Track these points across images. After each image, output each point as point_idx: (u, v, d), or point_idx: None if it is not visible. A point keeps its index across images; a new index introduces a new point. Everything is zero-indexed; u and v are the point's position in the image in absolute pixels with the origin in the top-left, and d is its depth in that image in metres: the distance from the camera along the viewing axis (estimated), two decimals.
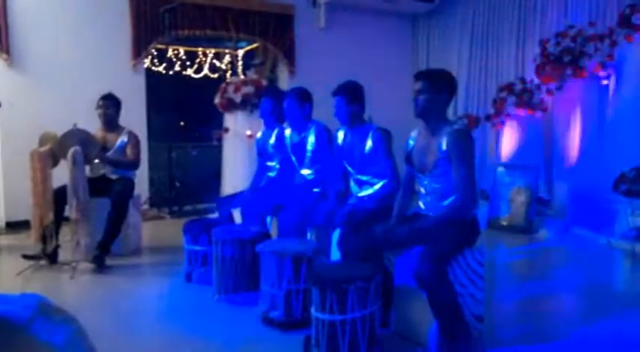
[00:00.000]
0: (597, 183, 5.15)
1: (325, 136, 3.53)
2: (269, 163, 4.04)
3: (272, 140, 3.96)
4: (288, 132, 3.76)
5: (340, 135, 3.32)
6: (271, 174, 4.03)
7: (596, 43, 5.15)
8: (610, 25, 5.25)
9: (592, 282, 3.80)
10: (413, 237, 2.48)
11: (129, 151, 4.43)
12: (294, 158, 3.74)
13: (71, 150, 3.84)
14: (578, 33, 5.30)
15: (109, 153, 4.37)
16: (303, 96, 3.59)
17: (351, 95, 3.12)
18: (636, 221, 4.62)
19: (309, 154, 3.60)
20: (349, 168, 3.24)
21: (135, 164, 4.45)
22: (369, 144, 3.08)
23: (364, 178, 3.15)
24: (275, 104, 3.95)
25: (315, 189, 3.60)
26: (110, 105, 4.45)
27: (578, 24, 5.50)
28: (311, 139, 3.57)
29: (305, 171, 3.66)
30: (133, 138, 4.48)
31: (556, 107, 5.80)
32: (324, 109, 3.67)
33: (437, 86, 2.57)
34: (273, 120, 3.99)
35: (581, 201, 5.34)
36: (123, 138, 4.45)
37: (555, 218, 5.55)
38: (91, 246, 4.06)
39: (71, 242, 3.95)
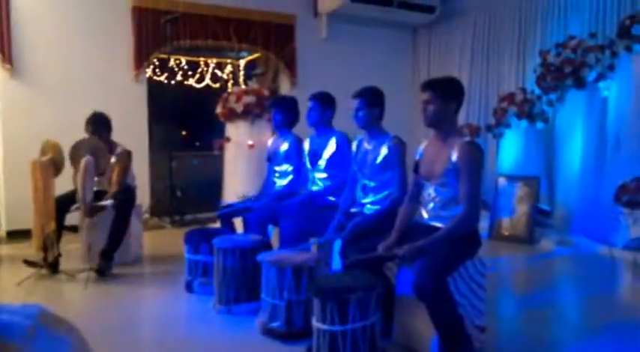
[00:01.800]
0: (599, 193, 5.16)
1: (346, 145, 3.53)
2: (277, 168, 4.05)
3: (284, 147, 3.97)
4: (307, 144, 3.77)
5: (356, 142, 3.31)
6: (278, 180, 4.03)
7: (596, 54, 5.18)
8: (610, 36, 5.29)
9: (594, 293, 3.78)
10: (414, 256, 2.46)
11: (113, 177, 4.21)
12: (308, 161, 3.74)
13: (84, 160, 3.84)
14: (578, 44, 5.32)
15: (106, 176, 4.24)
16: (326, 101, 3.63)
17: (372, 98, 3.11)
18: (638, 231, 4.61)
19: (324, 160, 3.61)
20: (359, 173, 3.23)
21: (119, 193, 4.17)
22: (383, 151, 3.07)
23: (371, 184, 3.14)
24: (284, 114, 3.98)
25: (327, 197, 3.61)
26: (97, 133, 4.19)
27: (578, 35, 5.54)
28: (331, 146, 3.58)
29: (320, 175, 3.67)
30: (121, 160, 4.24)
31: (557, 118, 5.82)
32: None
33: (445, 95, 2.57)
34: (286, 129, 4.03)
35: (583, 212, 5.34)
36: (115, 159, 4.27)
37: (557, 228, 5.54)
38: (94, 256, 4.07)
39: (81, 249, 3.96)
